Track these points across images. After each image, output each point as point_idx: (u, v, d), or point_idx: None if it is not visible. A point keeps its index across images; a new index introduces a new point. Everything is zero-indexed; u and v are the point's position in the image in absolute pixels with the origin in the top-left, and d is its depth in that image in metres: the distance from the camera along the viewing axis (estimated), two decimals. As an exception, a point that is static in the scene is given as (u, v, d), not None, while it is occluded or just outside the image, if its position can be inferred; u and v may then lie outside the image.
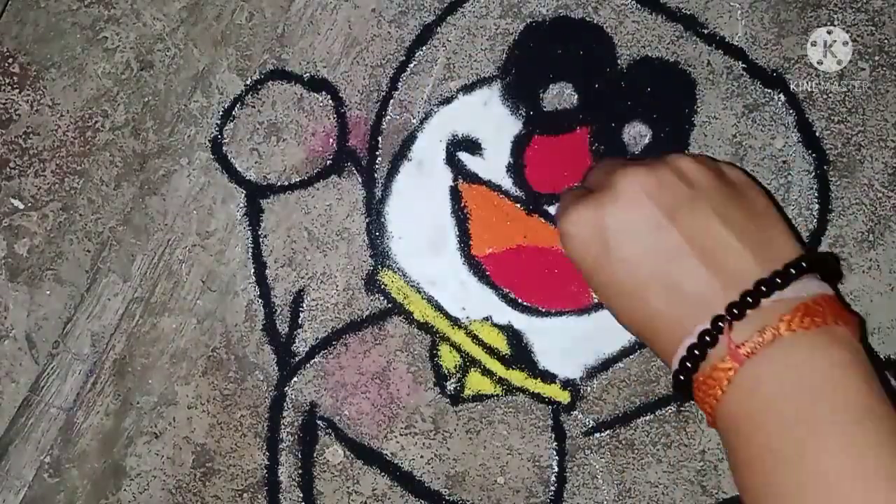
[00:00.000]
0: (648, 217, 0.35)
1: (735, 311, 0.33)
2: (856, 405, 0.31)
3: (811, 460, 0.30)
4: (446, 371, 0.45)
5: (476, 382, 0.44)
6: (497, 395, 0.44)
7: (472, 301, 0.44)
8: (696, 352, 0.34)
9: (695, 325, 0.34)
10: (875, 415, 0.31)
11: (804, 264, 0.34)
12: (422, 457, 0.45)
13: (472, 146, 0.45)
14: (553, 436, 0.44)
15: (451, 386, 0.45)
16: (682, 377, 0.35)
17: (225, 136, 0.46)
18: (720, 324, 0.33)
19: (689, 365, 0.34)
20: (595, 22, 0.45)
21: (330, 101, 0.45)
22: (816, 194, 0.44)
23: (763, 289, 0.33)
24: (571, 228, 0.37)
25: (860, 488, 0.29)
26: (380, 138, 0.45)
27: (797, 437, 0.31)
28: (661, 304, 0.35)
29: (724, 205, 0.35)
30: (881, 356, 0.44)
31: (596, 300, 0.44)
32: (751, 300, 0.33)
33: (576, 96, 0.44)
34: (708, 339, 0.33)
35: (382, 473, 0.45)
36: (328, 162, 0.45)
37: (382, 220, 0.45)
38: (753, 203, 0.37)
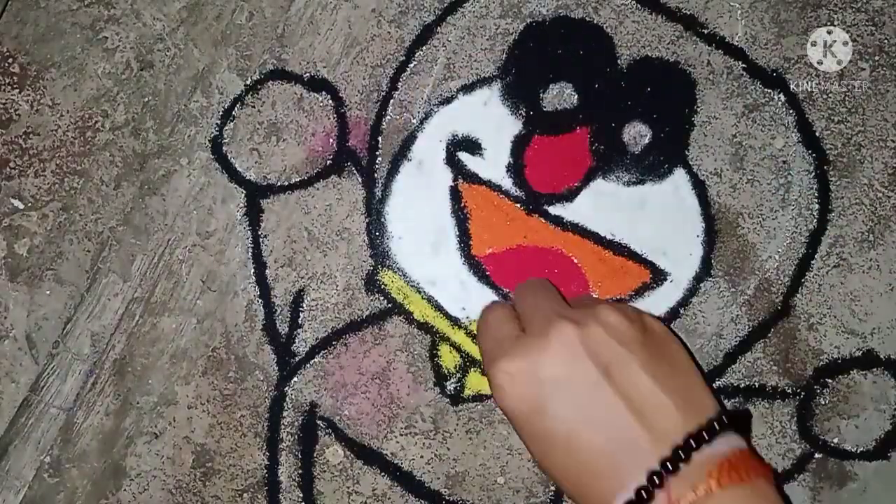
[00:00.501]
0: (580, 372, 0.36)
1: (669, 465, 0.34)
2: None
3: None
4: (446, 371, 0.45)
5: (476, 382, 0.44)
6: (497, 395, 0.44)
7: (472, 301, 0.44)
8: None
9: (629, 480, 0.34)
10: None
11: (724, 419, 0.35)
12: (422, 457, 0.45)
13: (472, 146, 0.45)
14: (553, 436, 0.44)
15: (451, 386, 0.45)
16: None
17: (225, 136, 0.46)
18: (655, 479, 0.34)
19: None
20: (595, 22, 0.45)
21: (330, 101, 0.45)
22: (816, 194, 0.44)
23: (692, 443, 0.34)
24: (503, 381, 0.37)
25: None
26: (380, 138, 0.45)
27: None
28: (594, 459, 0.36)
29: (651, 360, 0.37)
30: (881, 356, 0.44)
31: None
32: (682, 454, 0.34)
33: (576, 96, 0.44)
34: (644, 494, 0.34)
35: (382, 473, 0.45)
36: (328, 162, 0.45)
37: (382, 220, 0.45)
38: (675, 357, 0.38)
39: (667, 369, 0.37)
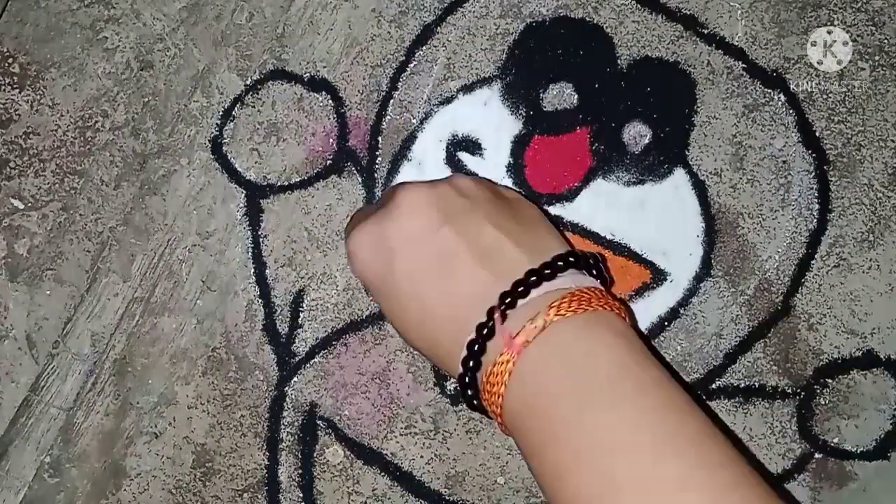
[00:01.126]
0: (425, 224, 0.36)
1: (507, 300, 0.34)
2: (626, 377, 0.32)
3: (587, 435, 0.31)
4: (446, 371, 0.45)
5: (476, 382, 0.44)
6: (497, 395, 0.44)
7: (472, 301, 0.44)
8: (476, 347, 0.34)
9: (473, 321, 0.34)
10: (646, 384, 0.32)
11: (571, 259, 0.35)
12: (422, 457, 0.45)
13: (472, 146, 0.45)
14: (553, 436, 0.44)
15: (451, 386, 0.45)
16: (467, 379, 0.35)
17: (225, 136, 0.46)
18: (494, 315, 0.34)
19: (471, 364, 0.34)
20: (595, 22, 0.45)
21: (330, 101, 0.45)
22: (816, 194, 0.44)
23: (533, 278, 0.34)
24: (356, 247, 0.38)
25: (629, 461, 0.30)
26: (380, 138, 0.45)
27: (571, 413, 0.31)
28: (441, 308, 0.36)
29: (498, 213, 0.37)
30: (881, 356, 0.44)
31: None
32: (521, 289, 0.34)
33: (576, 96, 0.44)
34: (485, 332, 0.34)
35: (382, 473, 0.45)
36: (328, 162, 0.45)
37: (382, 220, 0.45)
38: (525, 213, 0.38)
39: (516, 222, 0.37)
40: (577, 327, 0.33)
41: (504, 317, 0.34)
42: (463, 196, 0.37)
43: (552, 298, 0.33)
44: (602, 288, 0.36)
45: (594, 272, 0.37)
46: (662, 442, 0.30)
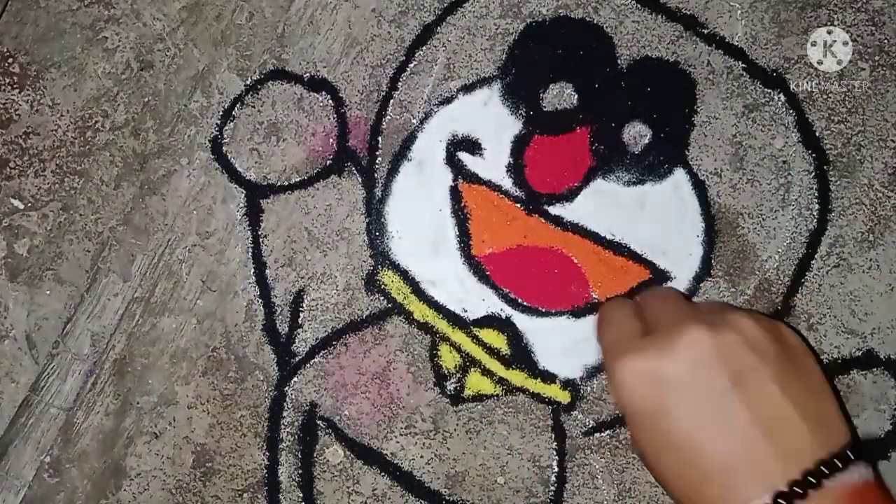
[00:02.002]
0: (712, 380, 0.35)
1: (798, 489, 0.32)
2: None
3: None
4: (446, 371, 0.45)
5: (476, 382, 0.44)
6: (497, 395, 0.44)
7: (472, 301, 0.44)
8: None
9: (751, 498, 0.33)
10: None
11: (858, 448, 0.34)
12: (422, 457, 0.45)
13: (472, 146, 0.45)
14: (553, 436, 0.44)
15: (451, 386, 0.45)
16: None
17: (225, 136, 0.46)
18: (781, 501, 0.32)
19: None
20: (595, 22, 0.45)
21: (330, 101, 0.45)
22: (816, 194, 0.44)
23: (825, 470, 0.33)
24: (627, 377, 0.36)
25: None
26: (380, 138, 0.45)
27: None
28: (714, 469, 0.34)
29: (785, 375, 0.35)
30: (881, 356, 0.44)
31: (596, 299, 0.44)
32: (814, 480, 0.33)
33: (576, 96, 0.44)
34: None
35: (382, 473, 0.45)
36: (328, 162, 0.45)
37: (382, 220, 0.45)
38: (810, 374, 0.36)
39: (800, 386, 0.35)
40: None
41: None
42: (751, 348, 0.35)
43: (838, 494, 0.32)
44: (875, 482, 0.34)
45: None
46: None
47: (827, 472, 0.33)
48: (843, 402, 0.39)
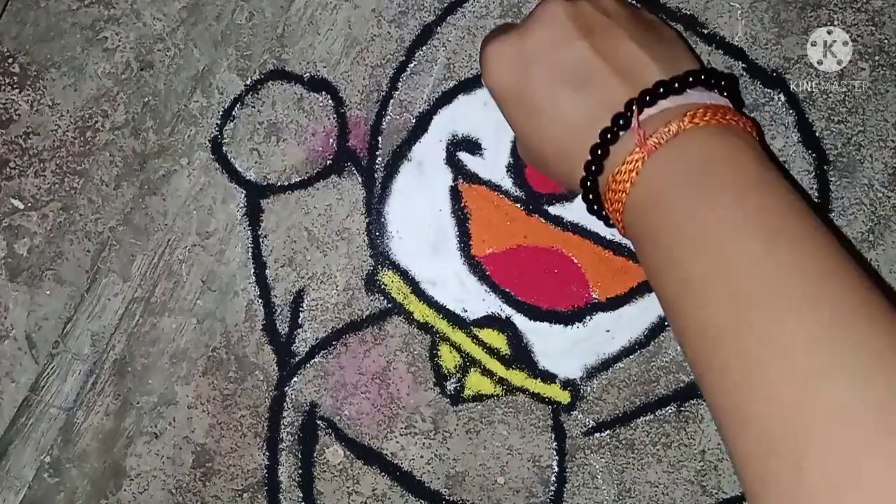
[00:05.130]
0: (564, 35, 0.37)
1: (634, 105, 0.34)
2: (750, 182, 0.32)
3: (700, 224, 0.32)
4: (446, 371, 0.45)
5: (476, 382, 0.44)
6: (497, 395, 0.44)
7: (472, 301, 0.44)
8: (599, 151, 0.35)
9: (598, 120, 0.35)
10: (767, 183, 0.32)
11: (703, 76, 0.36)
12: (422, 457, 0.45)
13: (472, 146, 0.45)
14: (553, 436, 0.44)
15: (451, 386, 0.45)
16: (589, 182, 0.36)
17: (225, 136, 0.46)
18: (620, 120, 0.35)
19: (594, 168, 0.36)
20: (595, 22, 0.45)
21: (330, 101, 0.45)
22: (816, 194, 0.44)
23: (661, 89, 0.35)
24: (493, 56, 0.38)
25: (740, 247, 0.31)
26: (380, 138, 0.45)
27: (690, 205, 0.32)
28: (572, 115, 0.36)
29: (637, 30, 0.37)
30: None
31: (596, 299, 0.44)
32: (649, 97, 0.35)
33: (576, 96, 0.44)
34: (609, 136, 0.35)
35: (382, 473, 0.45)
36: (328, 162, 0.45)
37: (382, 220, 0.45)
38: (664, 33, 0.39)
39: (654, 39, 0.37)
40: (708, 135, 0.34)
41: (638, 113, 0.34)
42: (603, 12, 0.37)
43: (687, 109, 0.34)
44: (732, 107, 0.36)
45: (724, 94, 0.37)
46: (774, 239, 0.30)
47: (663, 90, 0.35)
48: (702, 63, 0.41)
